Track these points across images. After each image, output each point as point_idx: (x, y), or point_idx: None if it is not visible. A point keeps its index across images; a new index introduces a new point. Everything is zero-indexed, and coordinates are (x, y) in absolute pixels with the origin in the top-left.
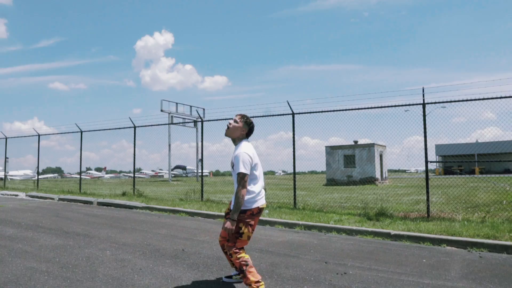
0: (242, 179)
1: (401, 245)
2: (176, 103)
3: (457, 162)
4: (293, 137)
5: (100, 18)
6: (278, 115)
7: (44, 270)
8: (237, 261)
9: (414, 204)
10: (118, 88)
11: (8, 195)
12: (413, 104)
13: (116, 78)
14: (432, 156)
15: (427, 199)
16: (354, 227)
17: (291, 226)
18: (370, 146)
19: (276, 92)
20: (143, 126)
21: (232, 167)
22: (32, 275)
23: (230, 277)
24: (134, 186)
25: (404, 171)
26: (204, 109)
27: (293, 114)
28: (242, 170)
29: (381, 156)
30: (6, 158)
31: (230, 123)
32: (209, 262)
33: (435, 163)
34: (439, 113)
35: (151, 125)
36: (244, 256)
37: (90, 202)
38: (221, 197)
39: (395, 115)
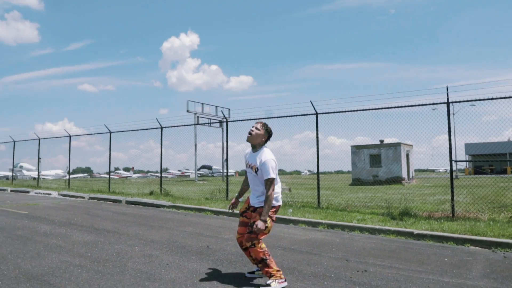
0: (272, 183)
1: (423, 244)
2: (202, 104)
3: (488, 161)
4: (317, 137)
5: (127, 20)
6: (301, 115)
7: (77, 264)
8: (261, 250)
9: (439, 204)
10: (145, 89)
11: (41, 193)
12: (437, 103)
13: (143, 79)
14: (461, 155)
15: (452, 199)
16: (377, 226)
17: (314, 225)
18: (396, 145)
19: (301, 91)
20: (169, 126)
21: (256, 171)
22: (67, 268)
23: (252, 272)
24: (161, 186)
25: (433, 170)
26: (229, 109)
27: (316, 114)
28: (272, 175)
29: (407, 155)
30: (39, 158)
31: (252, 130)
32: (232, 259)
33: (464, 163)
34: (469, 111)
35: (178, 126)
36: (265, 246)
37: (119, 201)
38: (246, 196)
39: (422, 113)
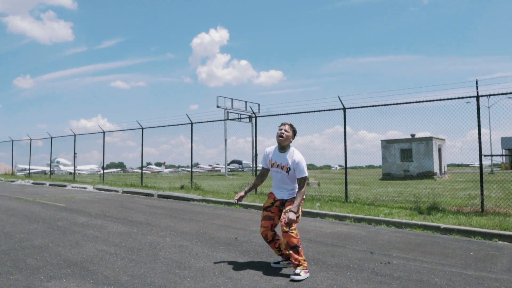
0: (306, 180)
1: (450, 238)
2: (232, 99)
3: None
4: (344, 132)
5: (157, 17)
6: (328, 110)
7: (112, 253)
8: (296, 237)
9: (469, 199)
10: (176, 85)
11: (77, 187)
12: (466, 97)
13: (174, 75)
14: (498, 149)
15: (481, 193)
16: (404, 220)
17: (341, 218)
18: (428, 139)
19: (331, 85)
20: (199, 122)
21: (287, 171)
22: (103, 256)
23: (277, 263)
24: (191, 180)
25: (467, 165)
26: (259, 104)
27: (344, 109)
28: (307, 173)
29: (439, 150)
30: (74, 153)
31: (283, 133)
32: (259, 250)
33: (501, 158)
34: (506, 104)
35: (207, 121)
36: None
37: (151, 195)
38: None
39: (455, 107)
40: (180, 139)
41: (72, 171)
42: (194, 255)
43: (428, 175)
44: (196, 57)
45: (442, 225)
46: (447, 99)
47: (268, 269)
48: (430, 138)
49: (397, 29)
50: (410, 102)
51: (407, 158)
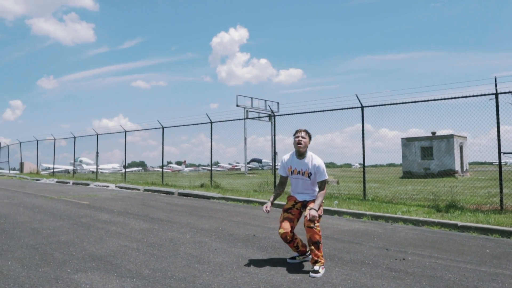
0: (326, 183)
1: (467, 236)
2: (251, 98)
3: None
4: (362, 130)
5: (177, 17)
6: (346, 108)
7: (135, 248)
8: (319, 233)
9: (489, 197)
10: (196, 84)
11: (100, 186)
12: (484, 95)
13: (194, 74)
14: None
15: (500, 191)
16: (421, 218)
17: (358, 216)
18: (449, 137)
19: (351, 83)
20: (219, 121)
21: (309, 176)
22: (126, 251)
23: (293, 258)
24: (211, 179)
25: (491, 163)
26: (278, 103)
27: (362, 107)
28: (327, 176)
29: (461, 147)
30: (97, 153)
31: (301, 140)
32: (276, 246)
33: None
34: None
35: (227, 120)
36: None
37: (172, 193)
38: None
39: (477, 104)
40: (200, 138)
41: (95, 170)
42: (213, 251)
43: (449, 173)
44: (215, 56)
45: (460, 223)
46: (466, 96)
47: (285, 264)
48: (451, 136)
49: (418, 26)
50: (428, 100)
51: (428, 156)
